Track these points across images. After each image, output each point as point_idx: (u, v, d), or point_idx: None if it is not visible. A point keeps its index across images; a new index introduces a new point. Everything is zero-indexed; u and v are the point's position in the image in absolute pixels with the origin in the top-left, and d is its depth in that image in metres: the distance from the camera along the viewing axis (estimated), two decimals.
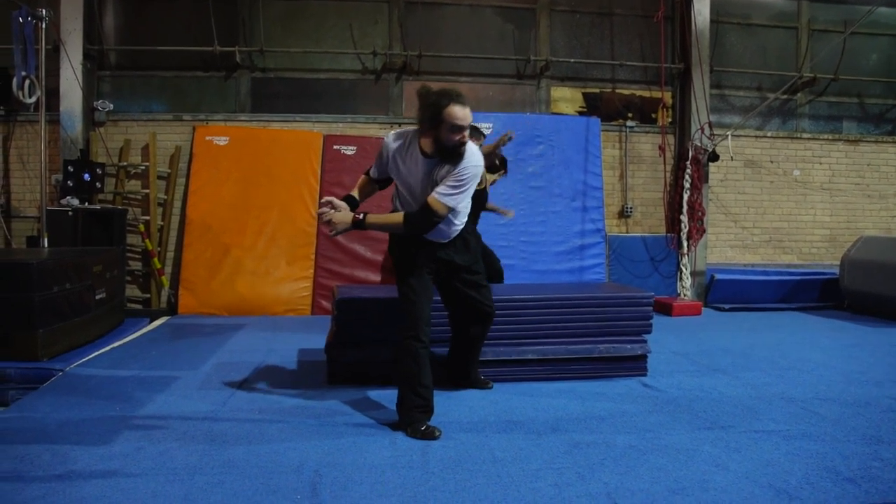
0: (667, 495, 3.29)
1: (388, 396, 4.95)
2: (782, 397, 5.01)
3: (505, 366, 5.22)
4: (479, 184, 5.17)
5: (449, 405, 4.77)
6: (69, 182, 8.12)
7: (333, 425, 4.33)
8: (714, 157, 9.58)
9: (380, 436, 4.13)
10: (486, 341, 5.13)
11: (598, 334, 5.52)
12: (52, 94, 8.54)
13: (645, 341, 5.61)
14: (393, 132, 4.36)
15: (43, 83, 7.76)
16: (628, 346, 5.55)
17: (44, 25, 7.60)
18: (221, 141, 8.95)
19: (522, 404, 4.74)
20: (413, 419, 4.24)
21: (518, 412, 4.62)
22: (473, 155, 4.27)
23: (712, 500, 3.25)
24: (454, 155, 4.17)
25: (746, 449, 3.91)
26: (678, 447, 3.94)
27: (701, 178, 9.67)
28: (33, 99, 7.62)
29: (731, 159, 9.80)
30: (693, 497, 3.27)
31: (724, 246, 10.33)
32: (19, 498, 3.18)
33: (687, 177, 9.62)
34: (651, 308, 5.66)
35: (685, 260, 9.60)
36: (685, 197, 9.61)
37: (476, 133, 6.32)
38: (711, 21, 9.87)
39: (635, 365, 5.60)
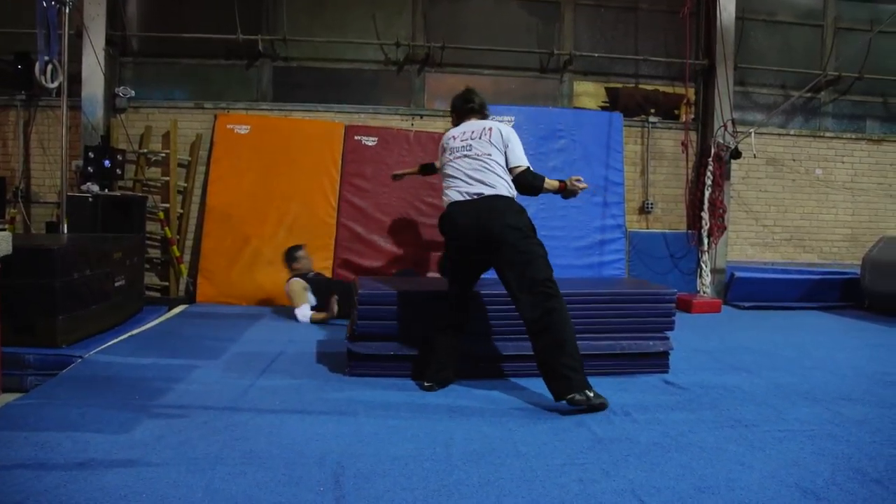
0: (693, 493, 3.24)
1: (409, 388, 4.97)
2: (806, 397, 4.94)
3: (526, 360, 5.16)
4: None
5: (471, 398, 4.76)
6: (89, 168, 8.13)
7: (355, 416, 4.30)
8: (736, 154, 9.50)
9: (402, 428, 4.10)
10: (508, 336, 5.30)
11: (621, 330, 5.48)
12: (74, 80, 8.51)
13: (667, 338, 5.57)
14: None
15: (65, 68, 7.74)
16: (650, 343, 5.50)
17: (67, 10, 7.57)
18: (242, 129, 8.94)
19: (545, 399, 4.68)
20: (586, 383, 4.47)
21: (541, 406, 4.59)
22: None
23: (739, 499, 3.20)
24: None
25: (771, 448, 3.86)
26: (702, 445, 3.89)
27: (723, 175, 9.60)
28: (55, 84, 7.59)
29: (754, 157, 9.71)
30: (719, 496, 3.22)
31: (745, 244, 10.27)
32: (40, 485, 3.15)
33: (709, 174, 9.55)
34: (674, 305, 5.62)
35: (705, 257, 9.54)
36: (706, 194, 9.54)
37: None
38: (737, 17, 9.78)
39: (657, 361, 5.54)
